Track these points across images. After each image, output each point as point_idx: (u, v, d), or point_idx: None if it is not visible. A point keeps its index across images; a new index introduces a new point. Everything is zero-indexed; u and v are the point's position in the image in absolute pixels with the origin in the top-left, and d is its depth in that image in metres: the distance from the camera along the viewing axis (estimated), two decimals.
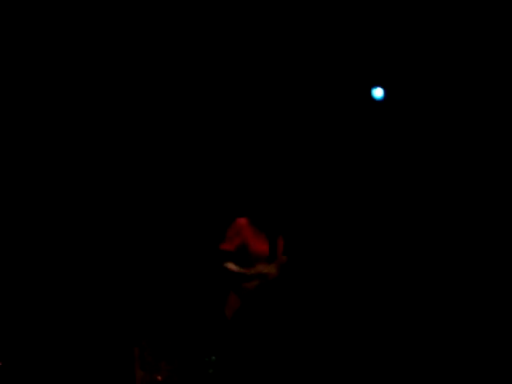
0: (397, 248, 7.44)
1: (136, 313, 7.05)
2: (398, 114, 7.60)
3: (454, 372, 7.05)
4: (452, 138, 7.46)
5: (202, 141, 7.43)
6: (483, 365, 7.02)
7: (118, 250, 7.20)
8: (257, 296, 5.78)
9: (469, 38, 7.34)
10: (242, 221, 5.95)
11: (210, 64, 7.40)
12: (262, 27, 7.35)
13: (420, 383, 7.03)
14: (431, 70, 7.47)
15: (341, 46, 7.53)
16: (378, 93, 7.61)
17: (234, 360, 5.74)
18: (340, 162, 7.59)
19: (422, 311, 7.29)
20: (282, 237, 6.01)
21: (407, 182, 7.56)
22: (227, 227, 5.96)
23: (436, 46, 7.39)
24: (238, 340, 5.75)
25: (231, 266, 5.85)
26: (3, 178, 6.97)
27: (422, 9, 7.31)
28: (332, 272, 7.39)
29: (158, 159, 7.37)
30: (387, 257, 7.43)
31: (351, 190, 7.56)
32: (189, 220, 7.32)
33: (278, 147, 7.44)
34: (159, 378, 6.38)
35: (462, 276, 7.35)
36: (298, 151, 7.53)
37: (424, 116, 7.52)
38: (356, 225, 7.50)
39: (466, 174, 7.42)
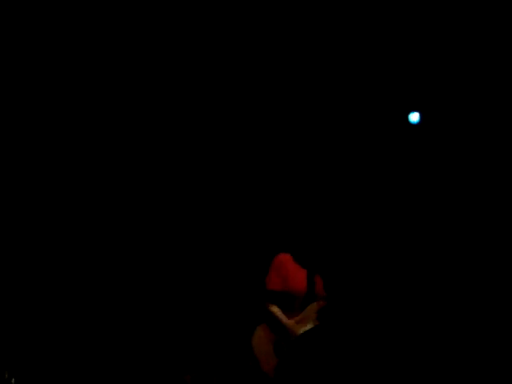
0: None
1: (184, 349, 7.09)
2: (433, 137, 7.61)
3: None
4: (485, 162, 7.46)
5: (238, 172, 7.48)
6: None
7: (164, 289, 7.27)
8: (292, 347, 5.76)
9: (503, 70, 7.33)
10: (283, 257, 5.96)
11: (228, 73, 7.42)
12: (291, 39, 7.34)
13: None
14: (467, 93, 7.46)
15: (378, 69, 7.53)
16: (414, 117, 7.63)
17: None
18: (378, 199, 7.61)
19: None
20: (320, 274, 5.97)
21: (440, 205, 7.56)
22: (268, 263, 5.99)
23: (472, 70, 7.38)
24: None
25: (273, 309, 5.86)
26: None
27: (460, 35, 7.29)
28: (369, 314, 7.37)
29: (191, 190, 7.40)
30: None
31: (391, 228, 7.56)
32: (230, 255, 7.38)
33: (316, 181, 7.47)
34: None
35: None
36: (336, 181, 7.56)
37: (459, 140, 7.53)
38: (395, 266, 7.50)
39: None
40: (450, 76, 7.48)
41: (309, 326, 5.78)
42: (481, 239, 7.41)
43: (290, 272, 5.89)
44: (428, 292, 7.38)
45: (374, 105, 7.63)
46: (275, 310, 5.81)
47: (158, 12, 7.09)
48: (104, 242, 7.25)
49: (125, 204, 7.36)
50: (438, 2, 7.13)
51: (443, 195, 7.57)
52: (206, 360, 6.99)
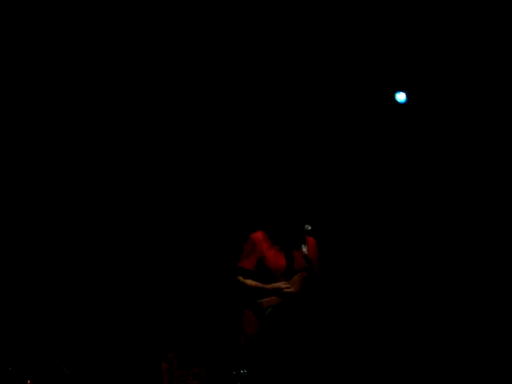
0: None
1: (162, 326, 7.10)
2: (420, 117, 7.57)
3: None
4: (473, 141, 7.40)
5: (217, 151, 7.48)
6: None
7: (144, 262, 7.26)
8: (277, 312, 5.77)
9: (493, 44, 7.26)
10: (258, 235, 5.94)
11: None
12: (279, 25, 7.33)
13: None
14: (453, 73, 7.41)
15: (363, 49, 7.50)
16: (400, 97, 7.60)
17: (261, 374, 5.73)
18: (358, 168, 7.58)
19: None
20: (300, 248, 5.89)
21: (429, 186, 7.52)
22: (242, 242, 6.01)
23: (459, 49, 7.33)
24: (262, 356, 5.74)
25: (249, 282, 5.90)
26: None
27: (445, 14, 7.24)
28: (351, 285, 7.35)
29: (171, 167, 7.41)
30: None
31: (370, 196, 7.54)
32: (205, 234, 7.37)
33: (292, 154, 7.46)
34: None
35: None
36: (314, 156, 7.54)
37: (446, 120, 7.48)
38: (376, 232, 7.48)
39: (488, 177, 7.35)
40: (438, 55, 7.42)
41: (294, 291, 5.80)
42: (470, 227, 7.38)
43: (265, 249, 5.89)
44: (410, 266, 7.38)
45: (361, 85, 7.60)
46: (249, 281, 5.82)
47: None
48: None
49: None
50: None
51: (433, 177, 7.54)
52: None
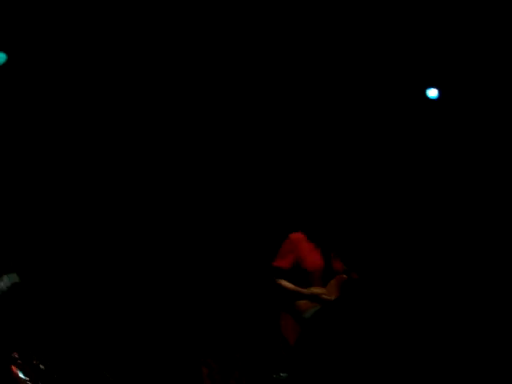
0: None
1: (202, 331, 7.07)
2: (452, 113, 7.50)
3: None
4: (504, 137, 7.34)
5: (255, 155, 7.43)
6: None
7: (184, 267, 7.26)
8: (319, 318, 5.71)
9: None
10: (297, 235, 5.92)
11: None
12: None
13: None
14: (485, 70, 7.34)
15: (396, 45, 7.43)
16: (432, 93, 7.53)
17: (302, 379, 5.69)
18: (390, 167, 7.52)
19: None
20: (338, 252, 5.93)
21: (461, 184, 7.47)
22: (281, 242, 5.94)
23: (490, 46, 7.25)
24: (304, 362, 5.70)
25: (285, 283, 5.83)
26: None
27: (479, 10, 7.16)
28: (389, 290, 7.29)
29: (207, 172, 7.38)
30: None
31: (411, 201, 7.47)
32: (244, 236, 7.33)
33: (331, 159, 7.40)
34: None
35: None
36: (352, 160, 7.48)
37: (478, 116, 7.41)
38: (413, 238, 7.41)
39: None
40: (468, 50, 7.35)
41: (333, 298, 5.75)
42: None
43: (304, 250, 5.86)
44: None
45: (392, 80, 7.51)
46: (285, 283, 5.79)
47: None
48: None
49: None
50: None
51: (461, 174, 7.47)
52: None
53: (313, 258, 5.86)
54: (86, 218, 7.20)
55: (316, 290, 5.77)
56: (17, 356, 5.43)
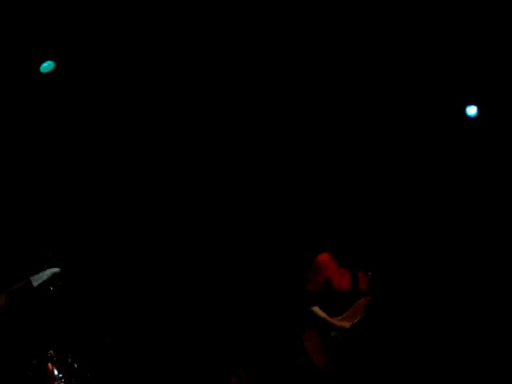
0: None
1: (231, 341, 7.17)
2: (491, 131, 7.45)
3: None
4: None
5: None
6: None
7: (214, 278, 7.37)
8: (346, 340, 5.80)
9: None
10: (324, 257, 5.97)
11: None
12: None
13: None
14: None
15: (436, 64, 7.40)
16: (471, 110, 7.49)
17: None
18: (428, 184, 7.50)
19: None
20: (365, 272, 5.97)
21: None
22: (308, 262, 6.01)
23: None
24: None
25: (318, 310, 5.91)
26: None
27: None
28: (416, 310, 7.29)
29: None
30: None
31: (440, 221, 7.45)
32: (275, 253, 7.41)
33: (357, 178, 7.43)
34: None
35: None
36: (382, 181, 7.50)
37: None
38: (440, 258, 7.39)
39: None
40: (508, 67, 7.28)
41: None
42: None
43: (331, 272, 5.91)
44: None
45: (431, 97, 7.49)
46: (317, 310, 5.86)
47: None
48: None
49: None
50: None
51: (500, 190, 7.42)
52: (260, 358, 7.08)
53: (340, 278, 5.92)
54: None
55: (346, 323, 5.82)
56: (53, 354, 5.64)
